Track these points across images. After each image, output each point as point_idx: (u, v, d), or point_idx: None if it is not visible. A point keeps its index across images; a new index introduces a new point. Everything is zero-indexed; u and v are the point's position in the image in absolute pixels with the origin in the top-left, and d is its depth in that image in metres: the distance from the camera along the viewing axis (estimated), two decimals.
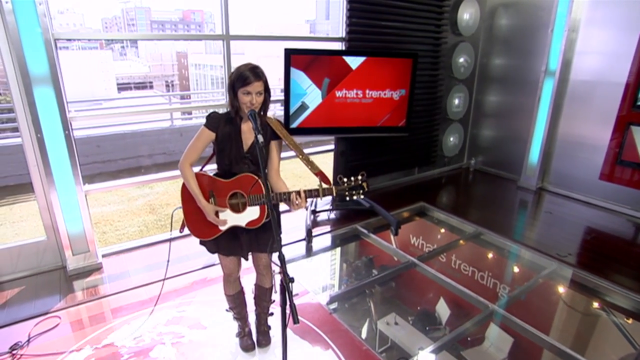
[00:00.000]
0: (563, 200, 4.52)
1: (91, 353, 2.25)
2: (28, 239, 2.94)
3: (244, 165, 1.88)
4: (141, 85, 37.33)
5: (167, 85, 38.20)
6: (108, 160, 7.40)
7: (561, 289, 3.14)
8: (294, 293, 2.74)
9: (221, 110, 1.95)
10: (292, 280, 1.48)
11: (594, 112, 4.24)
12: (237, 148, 1.86)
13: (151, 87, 37.71)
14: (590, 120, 4.29)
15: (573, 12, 4.15)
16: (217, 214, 1.90)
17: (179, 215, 2.01)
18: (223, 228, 1.91)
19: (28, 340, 2.32)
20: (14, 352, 2.24)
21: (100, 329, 2.44)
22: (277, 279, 1.58)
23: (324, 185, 1.82)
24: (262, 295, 2.25)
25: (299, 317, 2.47)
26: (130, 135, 7.73)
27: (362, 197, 1.82)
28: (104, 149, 7.39)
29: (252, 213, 1.89)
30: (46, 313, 2.54)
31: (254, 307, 2.32)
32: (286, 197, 1.82)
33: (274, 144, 1.94)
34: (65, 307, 2.61)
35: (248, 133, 1.88)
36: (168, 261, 2.18)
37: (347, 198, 1.82)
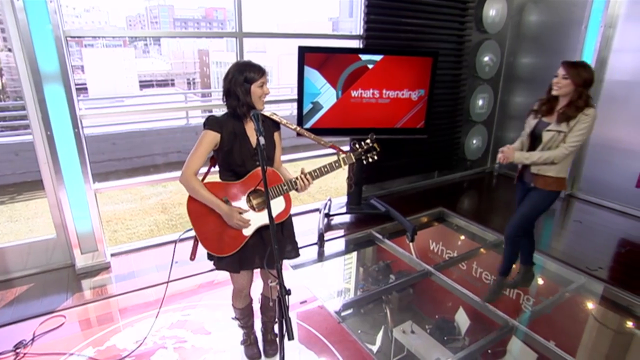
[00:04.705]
0: (594, 209, 4.25)
1: (93, 355, 2.22)
2: (39, 237, 2.96)
3: (255, 162, 1.82)
4: (163, 83, 37.63)
5: (189, 83, 38.45)
6: (123, 158, 7.44)
7: (590, 306, 2.94)
8: (301, 300, 2.70)
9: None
10: (288, 292, 1.38)
11: (632, 114, 3.98)
12: (246, 146, 1.80)
13: (173, 84, 38.00)
14: (628, 122, 4.01)
15: (610, 7, 3.91)
16: None
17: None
18: (248, 232, 1.81)
19: (32, 339, 2.32)
20: (18, 350, 2.23)
21: (104, 330, 2.42)
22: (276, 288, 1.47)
23: (342, 155, 1.86)
24: (268, 306, 2.18)
25: (306, 326, 2.43)
26: (146, 133, 7.77)
27: (376, 157, 1.91)
28: (119, 147, 7.43)
29: (277, 206, 1.81)
30: (52, 312, 2.54)
31: (260, 316, 2.26)
32: (295, 185, 1.80)
33: (277, 135, 1.92)
34: (71, 307, 2.60)
35: (253, 129, 1.82)
36: (172, 264, 2.11)
37: (364, 162, 1.90)
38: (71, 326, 2.45)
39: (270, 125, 1.88)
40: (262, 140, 1.52)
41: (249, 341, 2.24)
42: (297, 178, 1.80)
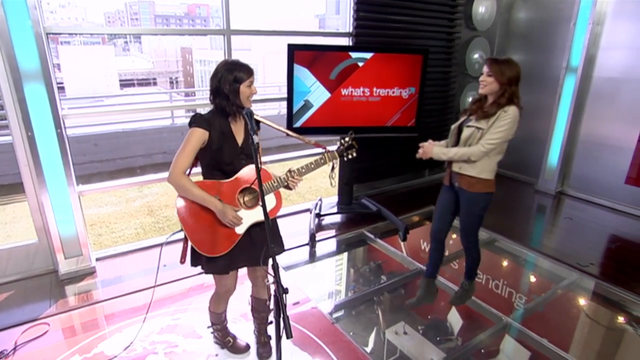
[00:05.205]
0: (585, 206, 4.28)
1: None
2: (19, 242, 2.86)
3: (241, 161, 1.82)
4: (144, 82, 36.25)
5: (171, 82, 37.24)
6: (106, 159, 7.23)
7: (582, 302, 2.95)
8: (294, 301, 2.65)
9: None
10: (286, 291, 1.38)
11: (620, 111, 4.01)
12: (233, 144, 1.80)
13: (155, 83, 36.67)
14: (616, 120, 4.05)
15: (598, 5, 3.95)
16: None
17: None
18: (240, 231, 1.81)
19: (14, 349, 2.23)
20: None
21: (90, 337, 2.34)
22: (272, 288, 1.47)
23: (321, 154, 1.96)
24: (260, 307, 2.15)
25: (300, 327, 2.39)
26: (129, 133, 7.54)
27: (355, 154, 2.02)
28: (101, 148, 7.23)
29: (268, 203, 1.78)
30: (35, 319, 2.45)
31: (251, 319, 2.23)
32: (285, 182, 1.86)
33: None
34: (55, 314, 2.51)
35: (238, 127, 1.84)
36: (158, 268, 2.04)
37: (345, 158, 2.01)
38: (55, 334, 2.36)
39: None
40: (256, 139, 1.55)
41: (230, 341, 2.22)
42: (286, 175, 1.85)
